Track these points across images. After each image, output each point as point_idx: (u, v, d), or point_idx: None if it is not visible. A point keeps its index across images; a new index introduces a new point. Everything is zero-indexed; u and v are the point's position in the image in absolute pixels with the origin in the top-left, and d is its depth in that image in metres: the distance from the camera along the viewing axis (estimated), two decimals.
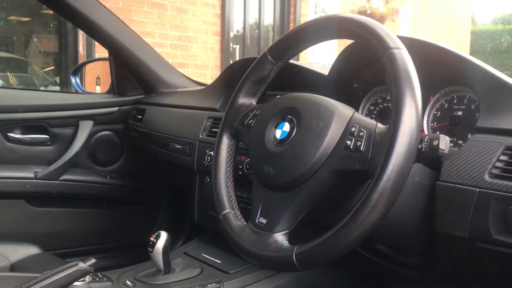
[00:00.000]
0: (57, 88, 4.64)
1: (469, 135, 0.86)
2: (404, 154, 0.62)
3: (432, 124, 0.95)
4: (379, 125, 0.69)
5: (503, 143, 0.73)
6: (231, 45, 5.23)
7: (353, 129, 0.69)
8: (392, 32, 0.72)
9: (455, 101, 0.93)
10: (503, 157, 0.72)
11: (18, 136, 1.62)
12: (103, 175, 1.74)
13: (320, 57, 5.67)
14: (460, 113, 0.92)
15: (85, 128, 1.69)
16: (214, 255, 1.20)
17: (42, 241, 1.42)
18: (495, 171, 0.72)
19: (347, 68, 1.00)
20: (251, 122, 0.86)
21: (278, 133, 0.76)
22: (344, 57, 0.99)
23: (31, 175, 1.59)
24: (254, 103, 0.91)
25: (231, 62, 5.21)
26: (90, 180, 1.70)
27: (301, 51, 0.86)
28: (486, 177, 0.71)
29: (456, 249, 0.79)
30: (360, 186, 0.74)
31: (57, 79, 4.86)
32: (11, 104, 1.60)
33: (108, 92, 1.83)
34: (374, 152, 0.65)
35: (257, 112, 0.86)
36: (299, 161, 0.71)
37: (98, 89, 2.00)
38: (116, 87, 1.80)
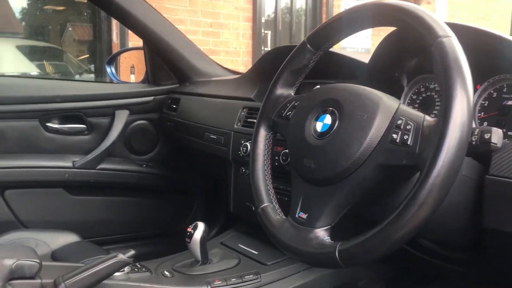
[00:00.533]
0: (92, 76, 4.72)
1: None
2: (454, 148, 0.58)
3: (479, 114, 0.90)
4: (427, 117, 0.65)
5: None
6: (262, 30, 5.18)
7: (399, 122, 0.66)
8: (440, 19, 0.68)
9: (504, 90, 0.88)
10: None
11: (56, 126, 1.65)
12: (139, 164, 1.76)
13: (354, 42, 5.55)
14: (510, 102, 0.87)
15: (121, 118, 1.71)
16: (251, 246, 1.19)
17: (80, 229, 1.44)
18: None
19: (389, 56, 0.96)
20: (290, 114, 0.84)
21: (319, 126, 0.74)
22: (386, 45, 0.95)
23: (70, 164, 1.61)
24: (292, 94, 0.88)
25: (263, 48, 5.18)
26: (126, 169, 1.72)
27: (342, 39, 0.83)
28: None
29: (505, 246, 0.76)
30: (405, 180, 0.72)
31: (92, 67, 4.94)
32: (49, 95, 1.63)
33: (143, 81, 1.84)
34: (423, 146, 0.62)
35: (296, 103, 0.84)
36: (342, 155, 0.69)
37: (132, 77, 2.02)
38: (151, 76, 1.80)
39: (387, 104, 0.69)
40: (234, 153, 1.26)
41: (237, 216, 1.34)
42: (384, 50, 0.97)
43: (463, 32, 0.76)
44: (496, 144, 0.63)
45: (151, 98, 1.76)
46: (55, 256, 1.30)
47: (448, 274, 0.96)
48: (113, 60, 1.92)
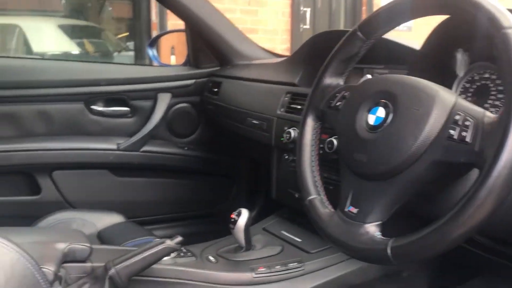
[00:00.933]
0: (130, 54, 4.76)
1: None
2: None
3: None
4: (488, 113, 0.63)
5: None
6: (301, 7, 5.09)
7: (457, 117, 0.63)
8: (504, 9, 0.64)
9: None
10: None
11: (100, 108, 1.68)
12: (181, 146, 1.78)
13: None
14: None
15: (164, 101, 1.73)
16: (294, 233, 1.19)
17: (124, 210, 1.48)
18: None
19: (443, 44, 0.92)
20: (339, 105, 0.82)
21: (371, 119, 0.72)
22: (440, 32, 0.91)
23: (114, 146, 1.65)
24: (342, 83, 0.86)
25: (302, 26, 5.10)
26: (168, 151, 1.74)
27: (395, 27, 0.80)
28: None
29: None
30: (460, 177, 0.69)
31: (130, 45, 4.98)
32: (94, 78, 1.66)
33: (184, 64, 1.85)
34: (483, 144, 0.60)
35: (346, 94, 0.82)
36: (395, 150, 0.67)
37: (173, 58, 2.03)
38: (192, 59, 1.81)
39: (444, 98, 0.66)
40: (277, 139, 1.25)
41: (278, 202, 1.34)
42: (437, 37, 0.93)
43: None
44: None
45: (192, 81, 1.77)
46: (101, 235, 1.34)
47: (499, 268, 0.94)
48: (154, 42, 1.94)
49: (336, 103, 0.82)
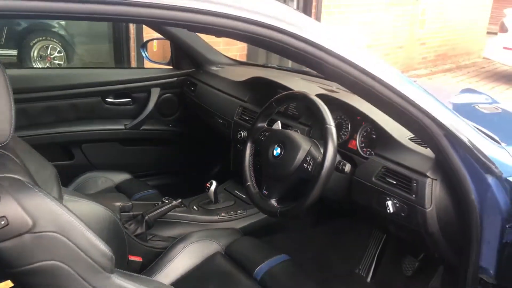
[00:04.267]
0: None
1: None
2: (328, 168, 1.41)
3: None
4: (319, 158, 1.46)
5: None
6: None
7: (308, 158, 1.47)
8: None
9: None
10: None
11: (111, 100, 2.42)
12: (167, 124, 2.57)
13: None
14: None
15: (155, 93, 2.48)
16: (241, 192, 2.06)
17: (130, 169, 2.28)
18: None
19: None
20: (263, 138, 1.64)
21: (274, 152, 1.55)
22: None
23: (122, 126, 2.43)
24: (265, 126, 1.68)
25: None
26: (159, 128, 2.54)
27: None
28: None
29: (362, 208, 1.61)
30: (307, 180, 1.54)
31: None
32: (106, 80, 2.38)
33: (168, 64, 2.58)
34: (314, 169, 1.44)
35: (266, 133, 1.64)
36: (285, 168, 1.51)
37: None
38: (175, 62, 2.54)
39: (304, 147, 1.50)
40: (234, 135, 2.06)
41: (234, 172, 2.19)
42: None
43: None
44: (347, 171, 1.45)
45: (175, 79, 2.52)
46: (117, 187, 2.14)
47: (341, 215, 1.85)
48: (145, 45, 2.63)
49: (261, 137, 1.65)
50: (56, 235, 0.90)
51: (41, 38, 5.06)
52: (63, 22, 5.12)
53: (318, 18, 5.54)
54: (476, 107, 2.11)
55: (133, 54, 4.18)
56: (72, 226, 0.93)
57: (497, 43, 7.17)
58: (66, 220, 0.92)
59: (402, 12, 6.83)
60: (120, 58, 4.18)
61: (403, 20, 6.92)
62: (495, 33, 7.42)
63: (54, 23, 5.11)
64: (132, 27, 3.93)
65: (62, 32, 5.23)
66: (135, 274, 1.10)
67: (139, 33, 3.91)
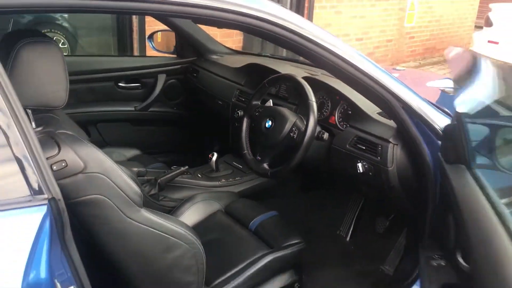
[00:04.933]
0: None
1: None
2: (309, 135, 1.73)
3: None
4: (304, 126, 1.78)
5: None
6: None
7: (294, 128, 1.79)
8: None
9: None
10: None
11: (123, 84, 2.72)
12: (172, 107, 2.88)
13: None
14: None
15: (161, 79, 2.79)
16: (239, 163, 2.38)
17: (140, 146, 2.59)
18: None
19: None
20: (257, 114, 1.96)
21: (266, 124, 1.86)
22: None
23: (132, 108, 2.74)
24: (259, 103, 2.00)
25: None
26: (165, 110, 2.85)
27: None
28: None
29: (336, 174, 1.93)
30: (295, 146, 1.86)
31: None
32: (119, 67, 2.69)
33: (173, 53, 2.88)
34: (299, 136, 1.76)
35: (260, 109, 1.95)
36: (275, 138, 1.83)
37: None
38: (179, 51, 2.85)
39: (291, 119, 1.82)
40: (232, 115, 2.38)
41: (233, 146, 2.51)
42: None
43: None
44: (325, 139, 1.77)
45: (179, 66, 2.83)
46: (129, 160, 2.46)
47: (323, 184, 2.17)
48: (151, 36, 2.93)
49: (256, 113, 1.97)
50: (101, 175, 1.19)
51: (46, 30, 5.31)
52: (66, 15, 5.38)
53: (310, 12, 5.83)
54: (443, 90, 2.43)
55: (135, 45, 4.46)
56: (112, 169, 1.22)
57: (482, 37, 7.48)
58: (108, 164, 1.22)
59: (391, 6, 7.14)
60: (123, 49, 4.44)
61: (392, 14, 7.23)
62: (482, 27, 7.74)
63: (58, 16, 5.37)
64: (135, 20, 4.19)
65: (65, 24, 5.50)
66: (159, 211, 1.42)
67: (142, 26, 4.16)
